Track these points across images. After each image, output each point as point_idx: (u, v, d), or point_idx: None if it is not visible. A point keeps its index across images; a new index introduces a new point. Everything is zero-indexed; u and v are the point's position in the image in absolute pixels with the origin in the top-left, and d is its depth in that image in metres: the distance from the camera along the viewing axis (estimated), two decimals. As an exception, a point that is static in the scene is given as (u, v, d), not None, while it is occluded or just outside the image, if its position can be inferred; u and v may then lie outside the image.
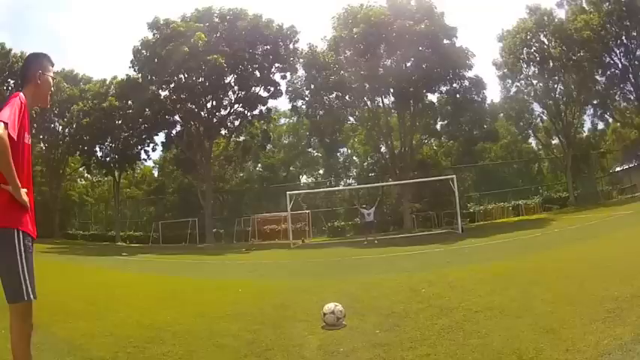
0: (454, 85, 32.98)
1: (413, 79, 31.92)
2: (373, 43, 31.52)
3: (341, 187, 44.80)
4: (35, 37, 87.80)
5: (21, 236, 2.87)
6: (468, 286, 6.96)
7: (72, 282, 11.38)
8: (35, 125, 41.73)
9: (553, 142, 41.14)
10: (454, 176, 26.84)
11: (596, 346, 3.56)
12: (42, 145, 46.53)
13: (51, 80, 3.33)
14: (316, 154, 51.09)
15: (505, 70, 36.90)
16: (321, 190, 40.19)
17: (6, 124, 2.71)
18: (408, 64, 32.83)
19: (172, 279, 12.31)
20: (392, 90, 33.17)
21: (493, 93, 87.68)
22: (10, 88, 41.42)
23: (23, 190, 2.88)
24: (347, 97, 34.31)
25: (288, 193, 27.92)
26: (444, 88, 33.49)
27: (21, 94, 3.05)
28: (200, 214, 38.08)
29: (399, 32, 30.45)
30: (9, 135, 2.71)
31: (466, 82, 32.70)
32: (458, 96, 32.73)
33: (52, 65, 3.37)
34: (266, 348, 4.45)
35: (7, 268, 2.84)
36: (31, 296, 2.86)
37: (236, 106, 39.38)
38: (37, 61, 3.29)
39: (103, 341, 4.80)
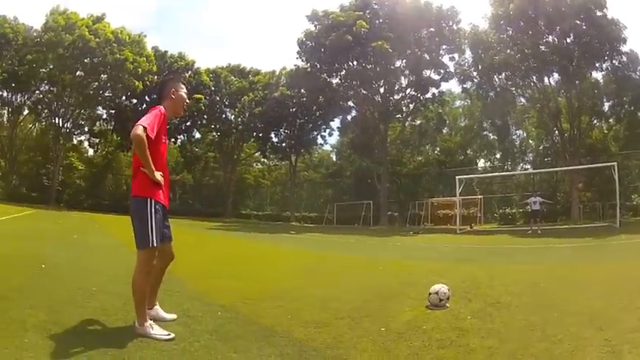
0: (613, 61, 29.56)
1: (575, 54, 29.29)
2: (532, 19, 29.71)
3: (510, 173, 41.62)
4: (190, 37, 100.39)
5: (153, 203, 3.88)
6: (585, 285, 6.64)
7: (225, 251, 12.87)
8: (205, 117, 48.48)
9: None
10: (615, 163, 23.24)
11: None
12: (215, 134, 52.05)
13: (184, 95, 4.26)
14: (492, 137, 48.72)
15: None
16: (492, 174, 38.12)
17: (144, 127, 3.73)
18: (568, 40, 29.96)
19: (325, 254, 13.12)
20: (555, 68, 30.75)
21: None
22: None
23: (158, 173, 3.89)
24: (516, 78, 32.69)
25: (457, 177, 27.34)
26: (605, 65, 30.19)
27: (161, 107, 4.04)
28: (376, 197, 39.14)
29: (554, 5, 28.42)
30: (147, 135, 3.74)
31: (623, 58, 29.17)
32: (618, 73, 29.42)
33: (185, 83, 4.37)
34: (364, 315, 4.80)
35: (140, 224, 3.86)
36: (155, 244, 3.85)
37: (408, 90, 39.89)
38: (172, 81, 4.30)
39: (228, 294, 5.56)
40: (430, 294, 5.21)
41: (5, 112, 46.92)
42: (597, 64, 30.37)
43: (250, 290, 5.93)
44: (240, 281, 6.81)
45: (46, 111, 45.96)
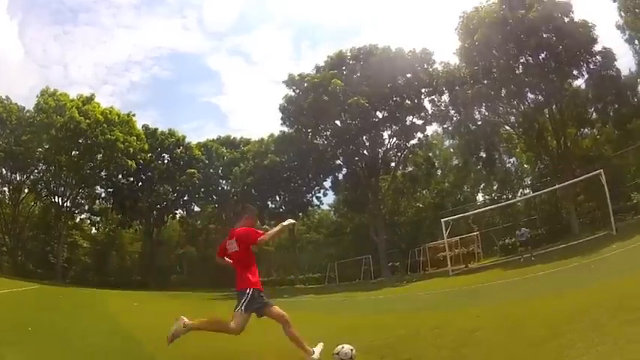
0: (589, 64, 28.83)
1: (551, 68, 28.82)
2: (499, 44, 29.21)
3: (490, 207, 38.36)
4: (184, 110, 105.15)
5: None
6: (554, 318, 6.18)
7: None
8: (202, 189, 50.21)
9: None
10: (601, 171, 22.50)
11: None
12: (214, 205, 52.98)
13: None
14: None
15: (628, 33, 30.27)
16: (478, 210, 36.49)
17: (217, 250, 5.78)
18: (542, 56, 29.43)
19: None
20: (528, 88, 30.42)
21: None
22: (165, 162, 50.09)
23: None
24: (497, 107, 32.24)
25: (442, 220, 27.01)
26: (582, 70, 29.52)
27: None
28: (376, 250, 38.73)
29: (521, 24, 27.95)
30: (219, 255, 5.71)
31: (598, 58, 28.39)
32: (595, 75, 28.75)
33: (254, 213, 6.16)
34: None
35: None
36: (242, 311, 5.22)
37: (394, 139, 39.80)
38: (246, 209, 6.07)
39: None
40: (333, 354, 5.29)
41: (6, 189, 47.27)
42: (575, 72, 29.60)
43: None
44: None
45: (45, 190, 46.80)
